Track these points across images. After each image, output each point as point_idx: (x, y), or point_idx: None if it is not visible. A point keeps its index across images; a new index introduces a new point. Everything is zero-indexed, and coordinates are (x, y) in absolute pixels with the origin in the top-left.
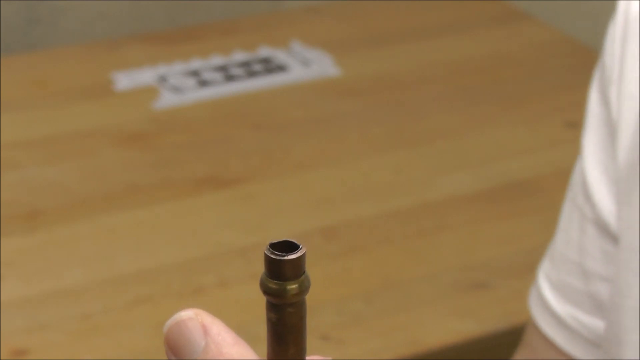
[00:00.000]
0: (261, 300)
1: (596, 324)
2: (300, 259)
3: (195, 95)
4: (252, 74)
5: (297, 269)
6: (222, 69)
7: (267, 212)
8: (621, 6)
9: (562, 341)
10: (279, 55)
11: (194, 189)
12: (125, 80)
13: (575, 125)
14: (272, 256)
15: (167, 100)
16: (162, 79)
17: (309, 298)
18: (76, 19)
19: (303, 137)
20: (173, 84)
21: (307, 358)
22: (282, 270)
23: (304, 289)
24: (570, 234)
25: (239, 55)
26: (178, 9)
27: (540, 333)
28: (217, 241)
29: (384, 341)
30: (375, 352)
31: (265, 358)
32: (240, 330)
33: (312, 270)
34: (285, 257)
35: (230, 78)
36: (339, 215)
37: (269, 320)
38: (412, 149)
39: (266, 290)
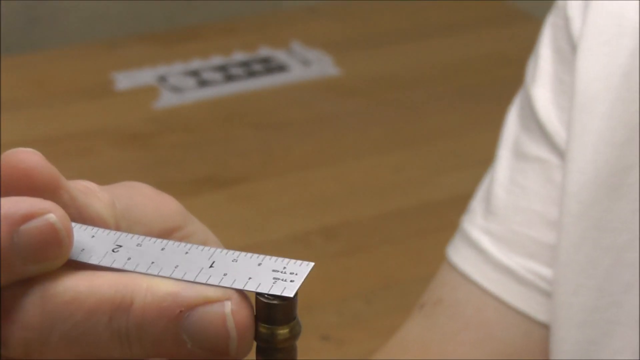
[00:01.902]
0: None
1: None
2: (292, 304)
3: (195, 95)
4: (252, 74)
5: (288, 314)
6: (222, 69)
7: (267, 212)
8: None
9: (511, 294)
10: (279, 55)
11: (194, 189)
12: (125, 80)
13: None
14: (263, 300)
15: (167, 100)
16: (162, 79)
17: (309, 298)
18: (76, 19)
19: (303, 137)
20: (173, 84)
21: None
22: (273, 314)
23: (294, 334)
24: (525, 185)
25: (239, 55)
26: (178, 9)
27: (476, 291)
28: None
29: (384, 341)
30: (375, 353)
31: None
32: None
33: (312, 271)
34: (277, 301)
35: (230, 78)
36: (339, 215)
37: None
38: (412, 149)
39: (256, 335)
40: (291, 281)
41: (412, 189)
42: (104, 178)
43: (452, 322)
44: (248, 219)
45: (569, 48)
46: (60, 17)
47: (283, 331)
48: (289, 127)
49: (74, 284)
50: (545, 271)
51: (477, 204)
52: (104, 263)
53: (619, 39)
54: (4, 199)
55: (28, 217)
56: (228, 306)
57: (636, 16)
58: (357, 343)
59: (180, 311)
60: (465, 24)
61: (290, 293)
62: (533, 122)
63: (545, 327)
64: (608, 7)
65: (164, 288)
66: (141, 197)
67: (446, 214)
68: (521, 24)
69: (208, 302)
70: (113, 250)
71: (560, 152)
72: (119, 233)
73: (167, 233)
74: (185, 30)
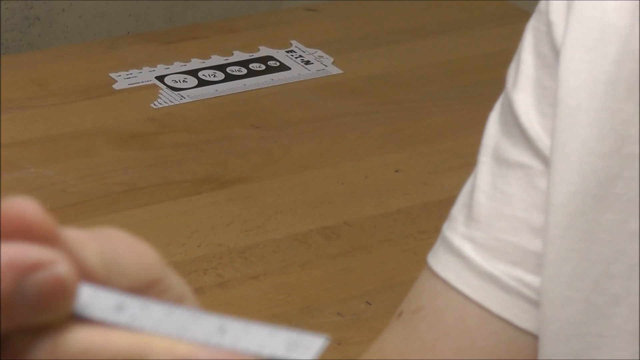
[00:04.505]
0: (261, 300)
1: (538, 282)
2: None
3: (194, 94)
4: (252, 73)
5: None
6: (222, 68)
7: (267, 212)
8: None
9: (494, 302)
10: (279, 55)
11: (193, 188)
12: (124, 80)
13: None
14: None
15: (166, 99)
16: (162, 79)
17: (308, 298)
18: (75, 19)
19: (303, 137)
20: (172, 83)
21: None
22: None
23: None
24: (507, 192)
25: (239, 55)
26: (177, 8)
27: (457, 298)
28: (217, 241)
29: None
30: None
31: None
32: None
33: (312, 271)
34: None
35: (230, 77)
36: (339, 215)
37: None
38: (412, 148)
39: None
40: (306, 351)
41: (412, 189)
42: (103, 178)
43: (432, 331)
44: (248, 219)
45: (552, 54)
46: (59, 16)
47: None
48: (289, 127)
49: (87, 337)
50: (529, 278)
51: (458, 211)
52: (107, 319)
53: (602, 46)
54: (10, 245)
55: (36, 267)
56: None
57: (619, 22)
58: (357, 343)
59: None
60: (465, 23)
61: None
62: (514, 128)
63: (528, 335)
64: (591, 13)
65: (179, 351)
66: (124, 246)
67: (446, 214)
68: (522, 23)
69: None
70: (116, 309)
71: (543, 158)
72: (119, 293)
73: (149, 286)
74: (184, 30)
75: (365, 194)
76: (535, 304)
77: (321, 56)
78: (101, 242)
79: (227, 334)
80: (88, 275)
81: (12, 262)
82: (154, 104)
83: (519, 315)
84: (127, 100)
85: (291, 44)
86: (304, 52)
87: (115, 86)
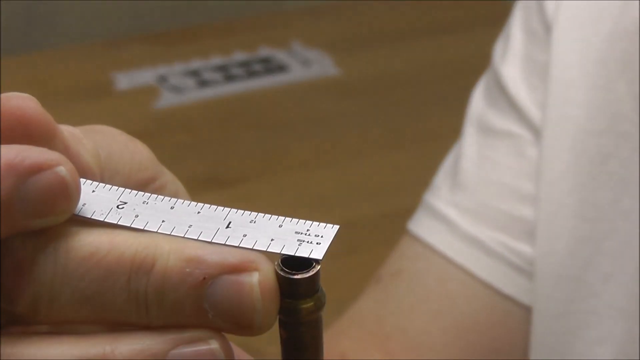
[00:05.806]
0: None
1: (525, 249)
2: (315, 276)
3: (195, 95)
4: (252, 74)
5: (311, 287)
6: (222, 69)
7: (266, 212)
8: None
9: (477, 265)
10: (279, 55)
11: (193, 189)
12: (125, 81)
13: None
14: (283, 274)
15: (167, 100)
16: (162, 79)
17: None
18: (76, 19)
19: (303, 137)
20: (173, 84)
21: None
22: (296, 288)
23: (319, 307)
24: (495, 159)
25: (239, 55)
26: (178, 9)
27: (439, 261)
28: None
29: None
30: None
31: None
32: None
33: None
34: (299, 275)
35: (230, 78)
36: (339, 215)
37: (281, 337)
38: (412, 149)
39: (279, 309)
40: (317, 243)
41: (412, 189)
42: None
43: (411, 294)
44: None
45: (543, 28)
46: (60, 17)
47: (307, 305)
48: (288, 127)
49: (93, 240)
50: (515, 244)
51: (441, 180)
52: (109, 220)
53: (594, 24)
54: (10, 146)
55: (36, 169)
56: (255, 277)
57: (612, 0)
58: None
59: (204, 278)
60: (466, 23)
61: (318, 255)
62: (502, 100)
63: (511, 301)
64: None
65: (188, 251)
66: (117, 145)
67: None
68: None
69: (234, 270)
70: (118, 207)
71: (533, 128)
72: (120, 189)
73: (143, 184)
74: (185, 30)
75: (365, 194)
76: (520, 270)
77: (321, 56)
78: (95, 140)
79: (236, 229)
80: (83, 173)
81: (13, 164)
82: (155, 105)
83: (503, 280)
84: (128, 100)
85: (291, 44)
86: (304, 52)
87: (117, 87)
